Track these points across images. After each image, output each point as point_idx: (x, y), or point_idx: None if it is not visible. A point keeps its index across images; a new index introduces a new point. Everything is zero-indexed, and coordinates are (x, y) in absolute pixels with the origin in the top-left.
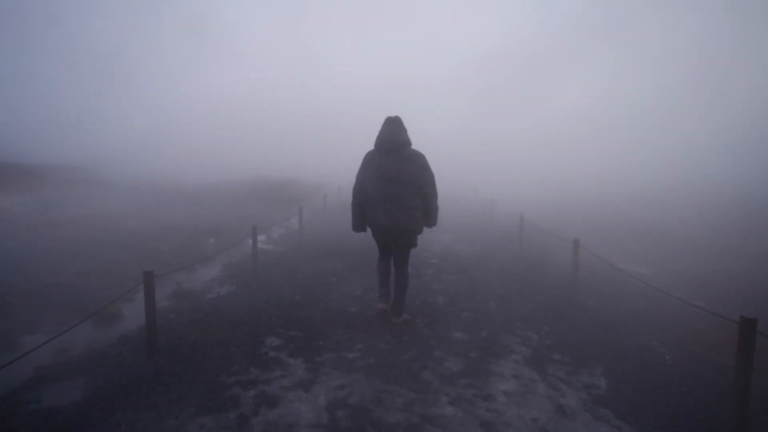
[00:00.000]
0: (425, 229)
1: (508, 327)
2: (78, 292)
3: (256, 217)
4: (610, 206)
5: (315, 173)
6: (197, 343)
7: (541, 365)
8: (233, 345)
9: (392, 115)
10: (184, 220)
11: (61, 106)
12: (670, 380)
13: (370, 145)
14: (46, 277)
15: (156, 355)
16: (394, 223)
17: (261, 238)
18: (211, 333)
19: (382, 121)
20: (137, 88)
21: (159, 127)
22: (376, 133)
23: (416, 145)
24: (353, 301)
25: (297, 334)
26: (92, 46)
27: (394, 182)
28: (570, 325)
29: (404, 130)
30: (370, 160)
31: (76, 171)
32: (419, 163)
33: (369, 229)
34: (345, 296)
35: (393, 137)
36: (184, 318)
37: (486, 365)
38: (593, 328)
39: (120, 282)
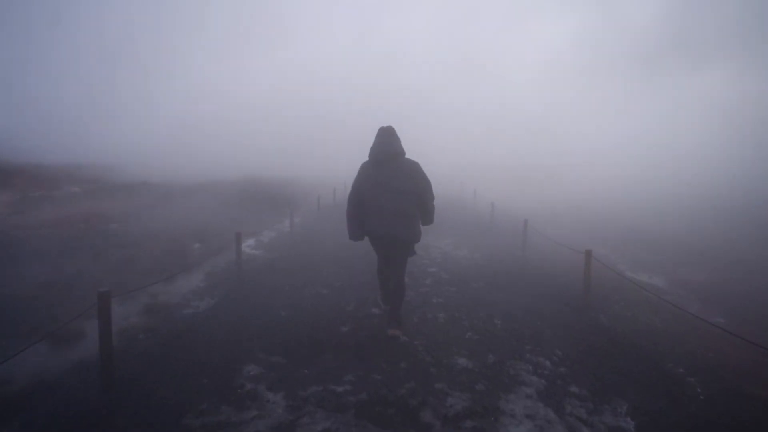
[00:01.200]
0: (423, 234)
1: (517, 350)
2: (37, 308)
3: (246, 221)
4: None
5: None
6: (164, 372)
7: (557, 401)
8: (206, 374)
9: (385, 125)
10: (169, 223)
11: (76, 102)
12: (708, 421)
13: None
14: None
15: (113, 388)
16: (391, 233)
17: (250, 242)
18: (181, 359)
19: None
20: (151, 88)
21: (164, 128)
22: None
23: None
24: (345, 318)
25: (280, 360)
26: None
27: (390, 192)
28: (584, 347)
29: (398, 140)
30: (365, 170)
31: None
32: (414, 173)
33: (367, 238)
34: (336, 312)
35: (386, 148)
36: (154, 339)
37: (495, 401)
38: (611, 352)
39: (85, 298)
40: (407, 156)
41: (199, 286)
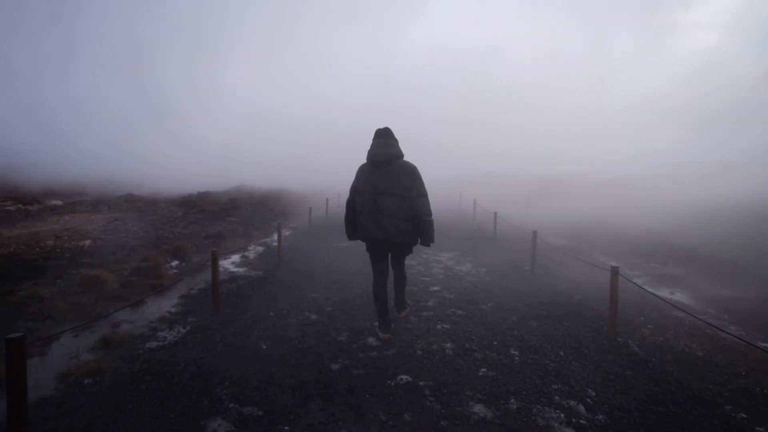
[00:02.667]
0: (423, 249)
1: (543, 391)
2: None
3: (233, 235)
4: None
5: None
6: None
7: None
8: None
9: (382, 126)
10: (148, 239)
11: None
12: None
13: None
14: None
15: None
16: (386, 236)
17: (234, 258)
18: (130, 413)
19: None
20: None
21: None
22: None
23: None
24: (336, 352)
25: (254, 411)
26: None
27: (386, 195)
28: (621, 386)
29: (395, 142)
30: (362, 172)
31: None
32: (410, 175)
33: (364, 243)
34: (326, 344)
35: (383, 150)
36: (101, 387)
37: None
38: (653, 392)
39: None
40: (405, 159)
41: (170, 312)
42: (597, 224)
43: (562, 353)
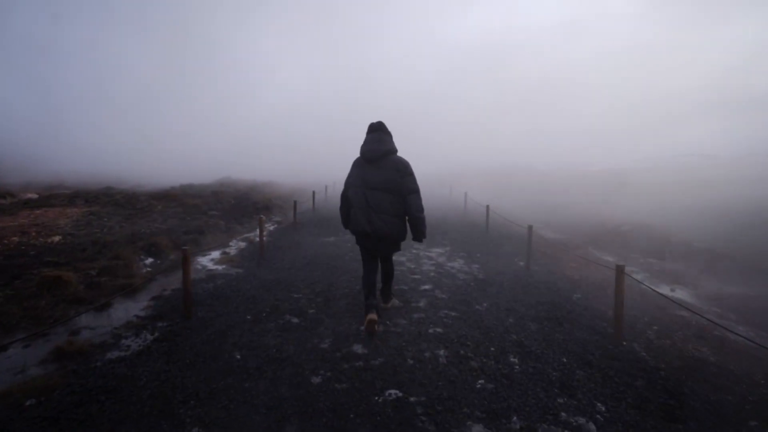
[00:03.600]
0: (413, 244)
1: (548, 406)
2: None
3: (214, 229)
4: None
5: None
6: None
7: None
8: None
9: (375, 121)
10: (121, 234)
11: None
12: None
13: None
14: None
15: None
16: (376, 230)
17: (214, 255)
18: None
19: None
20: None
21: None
22: None
23: None
24: (318, 363)
25: None
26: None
27: (377, 190)
28: (633, 399)
29: (388, 137)
30: (355, 167)
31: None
32: (402, 170)
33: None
34: (307, 352)
35: (376, 146)
36: (44, 409)
37: None
38: (669, 406)
39: None
40: (399, 154)
41: (137, 317)
42: (590, 217)
43: (565, 360)
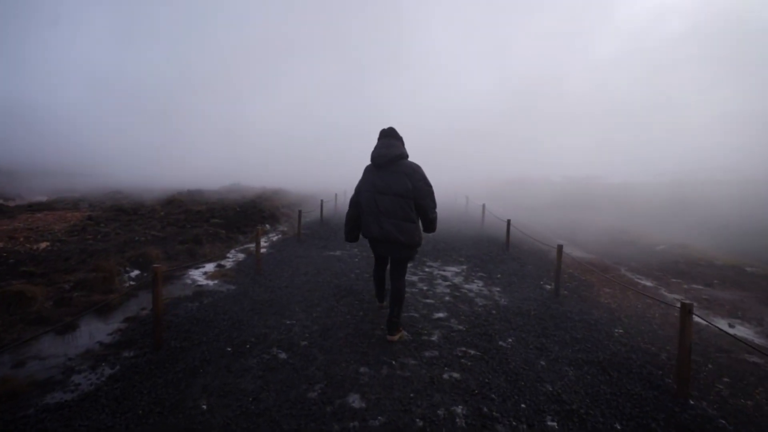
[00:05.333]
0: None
1: None
2: None
3: (214, 237)
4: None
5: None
6: None
7: None
8: None
9: (386, 127)
10: (114, 241)
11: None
12: None
13: None
14: None
15: None
16: (387, 236)
17: (208, 268)
18: None
19: None
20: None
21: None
22: None
23: None
24: (302, 421)
25: None
26: None
27: (388, 195)
28: None
29: (399, 142)
30: (366, 172)
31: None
32: (414, 176)
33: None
34: (290, 405)
35: (386, 152)
36: None
37: None
38: None
39: None
40: (410, 159)
41: (101, 343)
42: (617, 234)
43: (619, 427)
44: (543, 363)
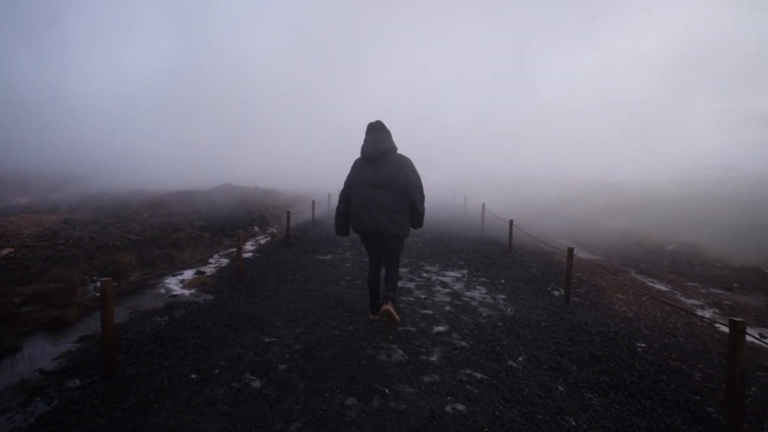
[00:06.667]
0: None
1: None
2: None
3: (196, 241)
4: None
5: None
6: None
7: None
8: None
9: (374, 121)
10: (88, 246)
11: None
12: None
13: None
14: None
15: None
16: (379, 229)
17: (185, 274)
18: None
19: None
20: None
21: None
22: None
23: None
24: None
25: None
26: None
27: (380, 188)
28: None
29: (388, 135)
30: (356, 166)
31: None
32: (404, 168)
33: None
34: None
35: (376, 145)
36: None
37: None
38: None
39: None
40: (399, 152)
41: (41, 371)
42: (624, 234)
43: None
44: (561, 388)
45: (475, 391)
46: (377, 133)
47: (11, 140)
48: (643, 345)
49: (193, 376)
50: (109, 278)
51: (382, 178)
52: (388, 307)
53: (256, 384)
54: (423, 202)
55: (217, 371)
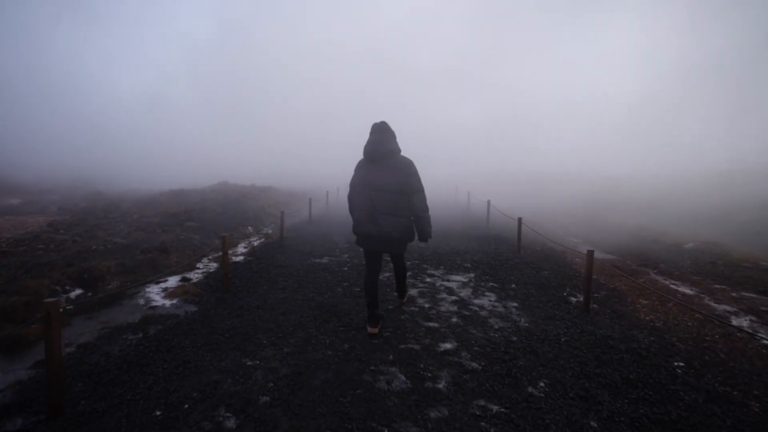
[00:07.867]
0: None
1: None
2: None
3: (185, 244)
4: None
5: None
6: None
7: None
8: None
9: (378, 121)
10: (67, 251)
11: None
12: None
13: None
14: None
15: None
16: (381, 231)
17: (170, 282)
18: None
19: None
20: None
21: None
22: None
23: None
24: None
25: None
26: None
27: (381, 191)
28: None
29: (392, 137)
30: (359, 168)
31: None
32: (406, 171)
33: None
34: None
35: (378, 147)
36: None
37: None
38: None
39: None
40: (402, 154)
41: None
42: (637, 231)
43: None
44: (594, 425)
45: (492, 430)
46: (380, 134)
47: (20, 143)
48: (681, 364)
49: (158, 413)
50: (54, 300)
51: (383, 179)
52: (409, 294)
53: (231, 423)
54: (426, 209)
55: (186, 406)
